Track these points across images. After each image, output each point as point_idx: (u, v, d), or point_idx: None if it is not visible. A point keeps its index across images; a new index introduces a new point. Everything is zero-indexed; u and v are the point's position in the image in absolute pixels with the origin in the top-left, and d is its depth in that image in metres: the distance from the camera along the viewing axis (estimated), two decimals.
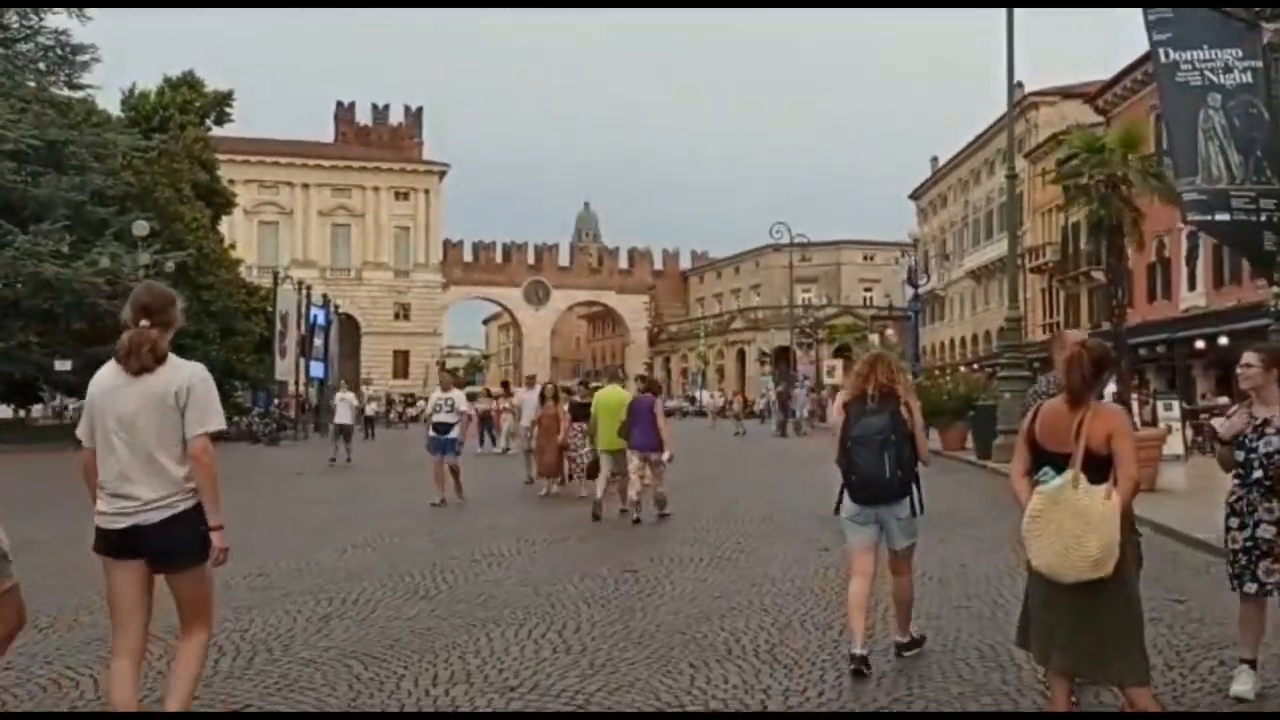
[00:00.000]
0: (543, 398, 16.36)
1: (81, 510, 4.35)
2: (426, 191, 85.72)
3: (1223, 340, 28.41)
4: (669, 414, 15.49)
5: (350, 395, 26.32)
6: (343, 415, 23.45)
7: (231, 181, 56.08)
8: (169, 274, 31.81)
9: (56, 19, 35.13)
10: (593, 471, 13.53)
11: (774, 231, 58.65)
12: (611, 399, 13.12)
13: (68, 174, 32.98)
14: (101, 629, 5.38)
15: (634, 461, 12.16)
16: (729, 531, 11.17)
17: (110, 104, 42.06)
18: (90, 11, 34.74)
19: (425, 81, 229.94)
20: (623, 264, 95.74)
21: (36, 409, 45.96)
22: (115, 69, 52.34)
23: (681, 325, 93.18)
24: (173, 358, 3.97)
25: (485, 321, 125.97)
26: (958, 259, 64.84)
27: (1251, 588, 5.03)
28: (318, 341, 44.67)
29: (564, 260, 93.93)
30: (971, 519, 11.95)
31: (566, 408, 15.65)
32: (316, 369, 44.34)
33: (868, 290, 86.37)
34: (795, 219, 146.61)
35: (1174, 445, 16.93)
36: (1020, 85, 41.99)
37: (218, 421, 4.00)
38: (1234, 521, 5.10)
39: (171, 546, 3.89)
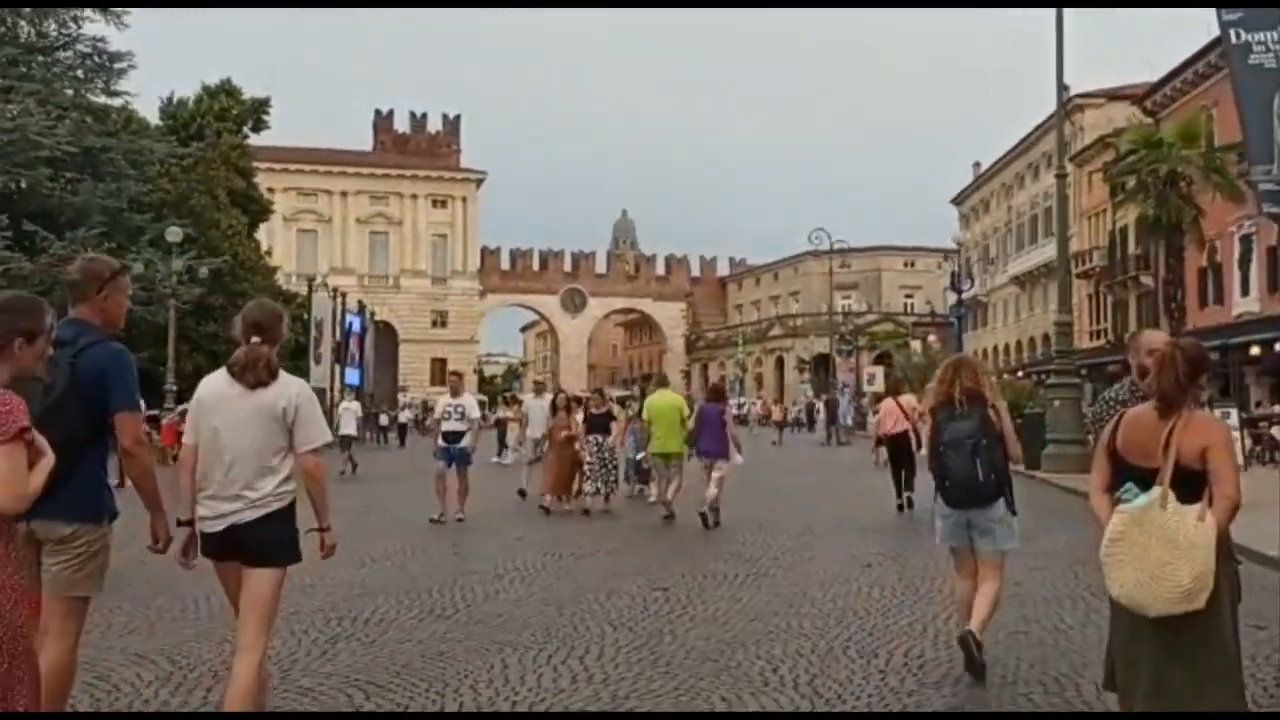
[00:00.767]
0: (554, 408, 15.03)
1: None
2: (464, 199, 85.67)
3: (1279, 347, 27.45)
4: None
5: (355, 405, 25.68)
6: (347, 426, 22.63)
7: (270, 190, 56.31)
8: (203, 280, 31.74)
9: (94, 27, 35.29)
10: (644, 477, 13.97)
11: (813, 238, 57.97)
12: (665, 403, 13.34)
13: (104, 181, 33.02)
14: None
15: (705, 468, 12.56)
16: (766, 544, 10.65)
17: (150, 112, 42.33)
18: (130, 20, 34.86)
19: (464, 89, 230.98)
20: (660, 271, 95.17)
21: None
22: (156, 78, 52.70)
23: (719, 333, 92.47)
24: (285, 375, 4.20)
25: (523, 329, 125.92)
26: (1001, 265, 63.77)
27: None
28: (353, 348, 44.51)
29: (601, 268, 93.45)
30: (1023, 533, 11.29)
31: (581, 418, 14.60)
32: (352, 376, 44.17)
33: (908, 297, 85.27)
34: (835, 226, 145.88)
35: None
36: (1066, 87, 41.17)
37: (324, 436, 4.27)
38: None
39: (261, 543, 4.11)
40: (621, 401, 16.25)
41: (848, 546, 10.47)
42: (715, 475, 12.35)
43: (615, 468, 14.40)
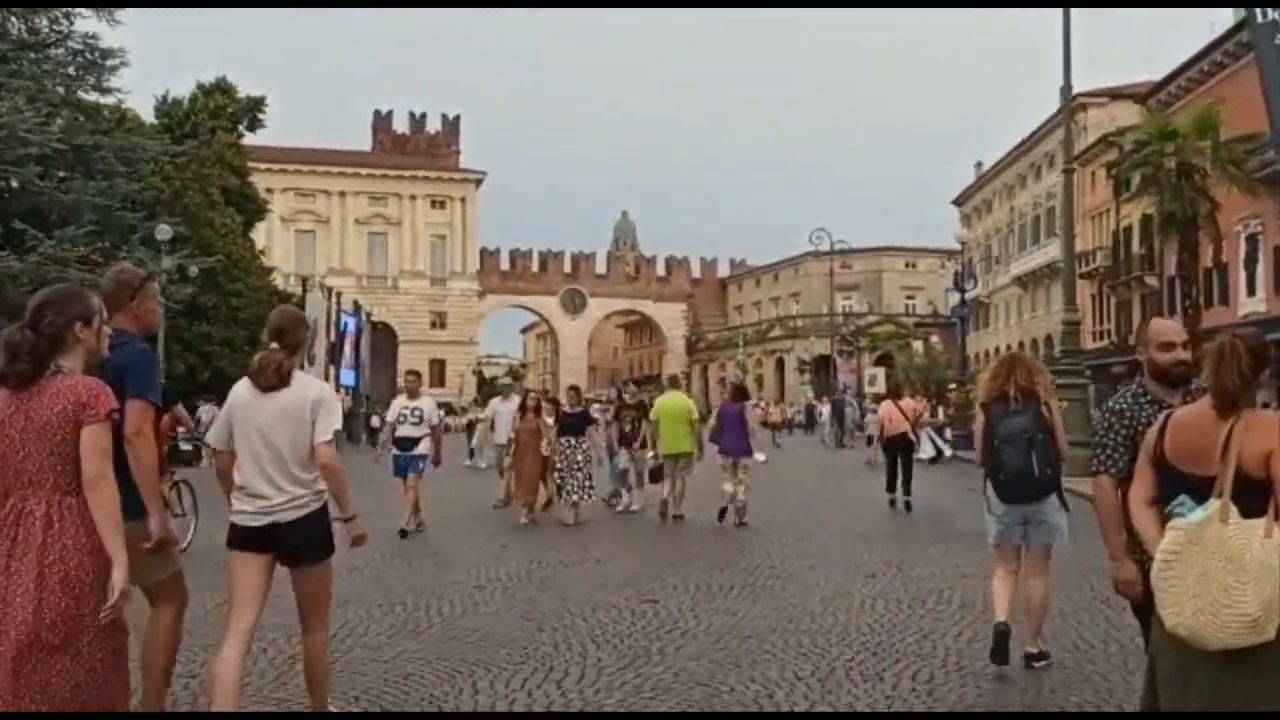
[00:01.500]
0: (523, 408, 13.96)
1: None
2: (463, 200, 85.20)
3: None
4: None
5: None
6: None
7: (269, 190, 55.73)
8: (194, 279, 31.26)
9: (86, 23, 34.81)
10: (656, 476, 13.51)
11: (814, 238, 57.60)
12: (674, 405, 13.33)
13: (95, 179, 32.53)
14: None
15: (727, 465, 12.62)
16: (764, 552, 10.15)
17: (145, 111, 41.83)
18: (124, 18, 34.40)
19: (463, 89, 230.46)
20: (660, 272, 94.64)
21: None
22: (153, 77, 52.29)
23: (720, 334, 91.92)
24: (300, 375, 4.35)
25: (523, 330, 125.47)
26: (1003, 265, 63.26)
27: None
28: (348, 349, 44.03)
29: (601, 268, 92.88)
30: None
31: (552, 420, 13.57)
32: (347, 376, 43.71)
33: (910, 298, 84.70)
34: (835, 226, 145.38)
35: None
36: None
37: (331, 429, 4.34)
38: None
39: (301, 543, 4.28)
40: (641, 405, 14.79)
41: (850, 555, 9.96)
42: (738, 474, 12.51)
43: (589, 474, 13.13)
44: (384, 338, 70.44)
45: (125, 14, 34.38)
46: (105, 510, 3.19)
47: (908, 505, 14.16)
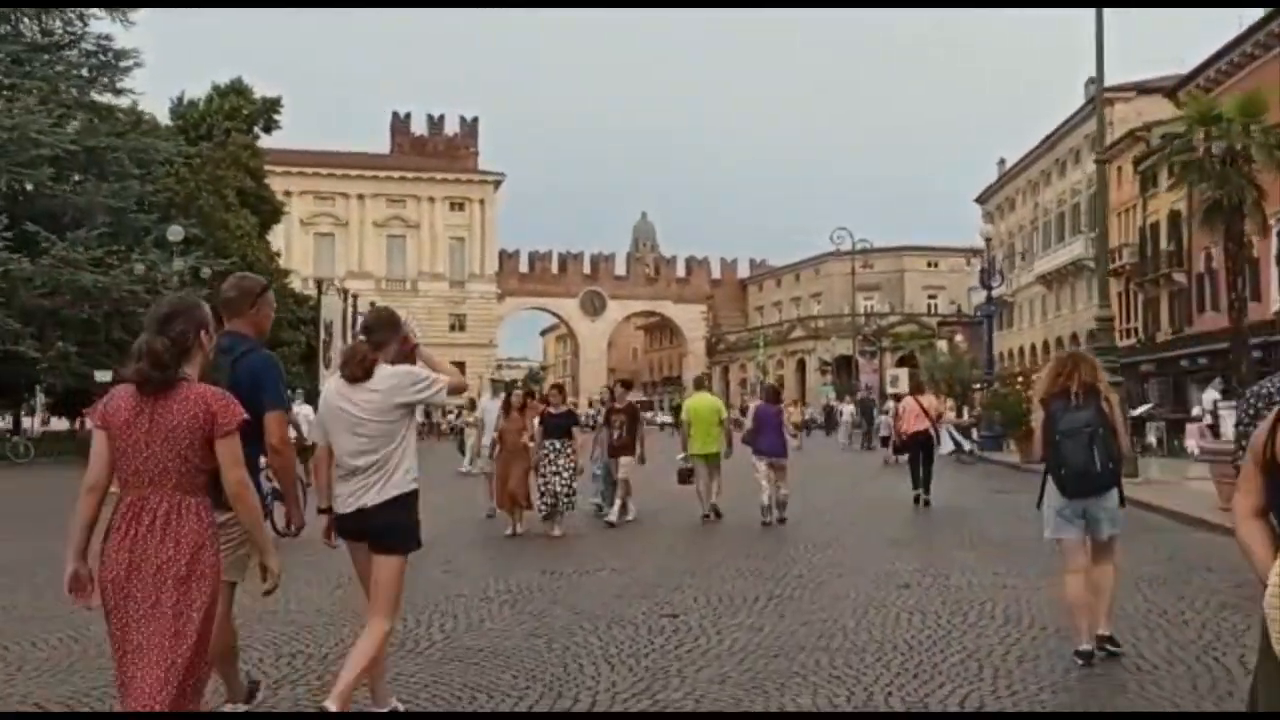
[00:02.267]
0: (507, 408, 12.72)
1: None
2: (482, 202, 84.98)
3: None
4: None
5: (307, 409, 20.73)
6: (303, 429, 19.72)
7: (287, 193, 55.55)
8: (206, 280, 30.94)
9: (100, 24, 34.68)
10: (684, 478, 13.53)
11: (835, 238, 57.08)
12: (704, 405, 13.51)
13: (109, 181, 32.33)
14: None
15: (761, 467, 12.68)
16: (789, 560, 9.62)
17: (161, 113, 41.68)
18: (138, 19, 34.28)
19: (482, 91, 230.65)
20: (680, 273, 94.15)
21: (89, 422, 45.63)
22: (169, 79, 52.24)
23: (740, 335, 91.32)
24: (385, 367, 4.51)
25: (543, 333, 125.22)
26: (1028, 263, 62.42)
27: None
28: None
29: (620, 270, 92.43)
30: None
31: (537, 420, 12.32)
32: None
33: (932, 297, 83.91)
34: (857, 226, 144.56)
35: None
36: (1092, 81, 39.94)
37: (424, 388, 4.54)
38: None
39: (382, 528, 4.45)
40: (632, 409, 13.77)
41: (880, 563, 9.42)
42: (775, 474, 12.64)
43: (572, 481, 11.96)
44: None
45: (140, 14, 34.24)
46: (254, 514, 3.50)
47: (926, 503, 14.52)
